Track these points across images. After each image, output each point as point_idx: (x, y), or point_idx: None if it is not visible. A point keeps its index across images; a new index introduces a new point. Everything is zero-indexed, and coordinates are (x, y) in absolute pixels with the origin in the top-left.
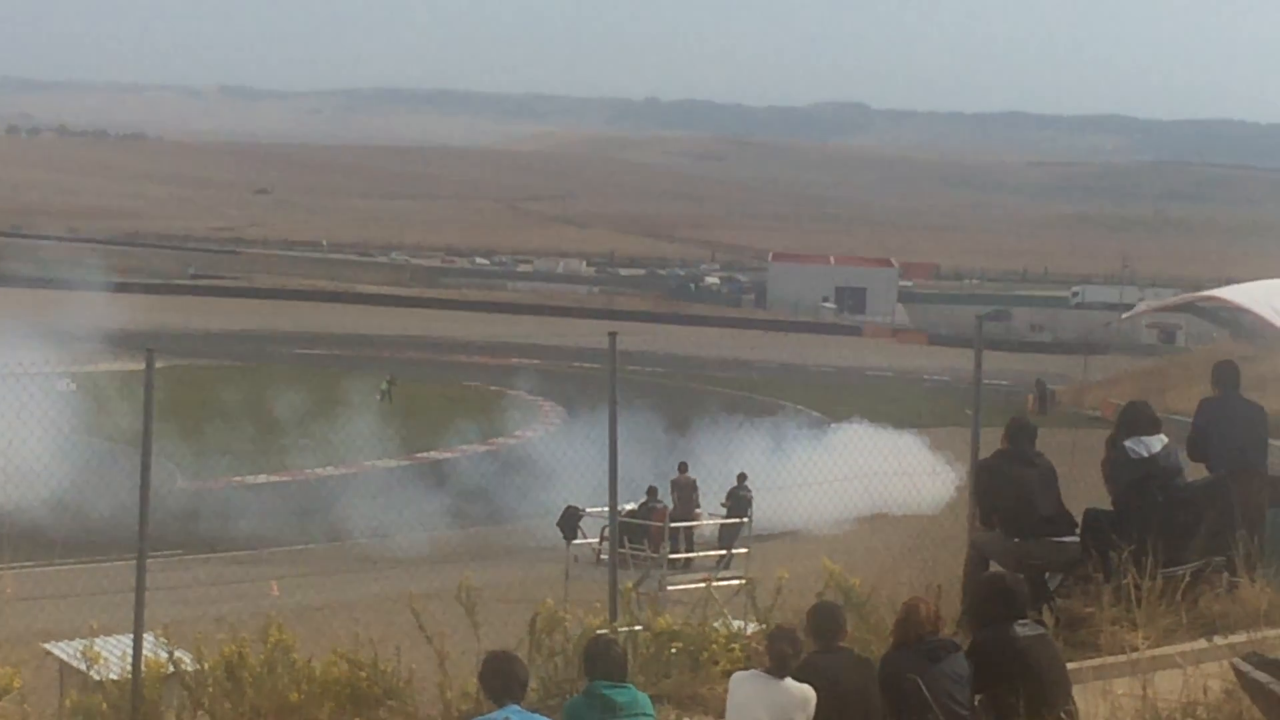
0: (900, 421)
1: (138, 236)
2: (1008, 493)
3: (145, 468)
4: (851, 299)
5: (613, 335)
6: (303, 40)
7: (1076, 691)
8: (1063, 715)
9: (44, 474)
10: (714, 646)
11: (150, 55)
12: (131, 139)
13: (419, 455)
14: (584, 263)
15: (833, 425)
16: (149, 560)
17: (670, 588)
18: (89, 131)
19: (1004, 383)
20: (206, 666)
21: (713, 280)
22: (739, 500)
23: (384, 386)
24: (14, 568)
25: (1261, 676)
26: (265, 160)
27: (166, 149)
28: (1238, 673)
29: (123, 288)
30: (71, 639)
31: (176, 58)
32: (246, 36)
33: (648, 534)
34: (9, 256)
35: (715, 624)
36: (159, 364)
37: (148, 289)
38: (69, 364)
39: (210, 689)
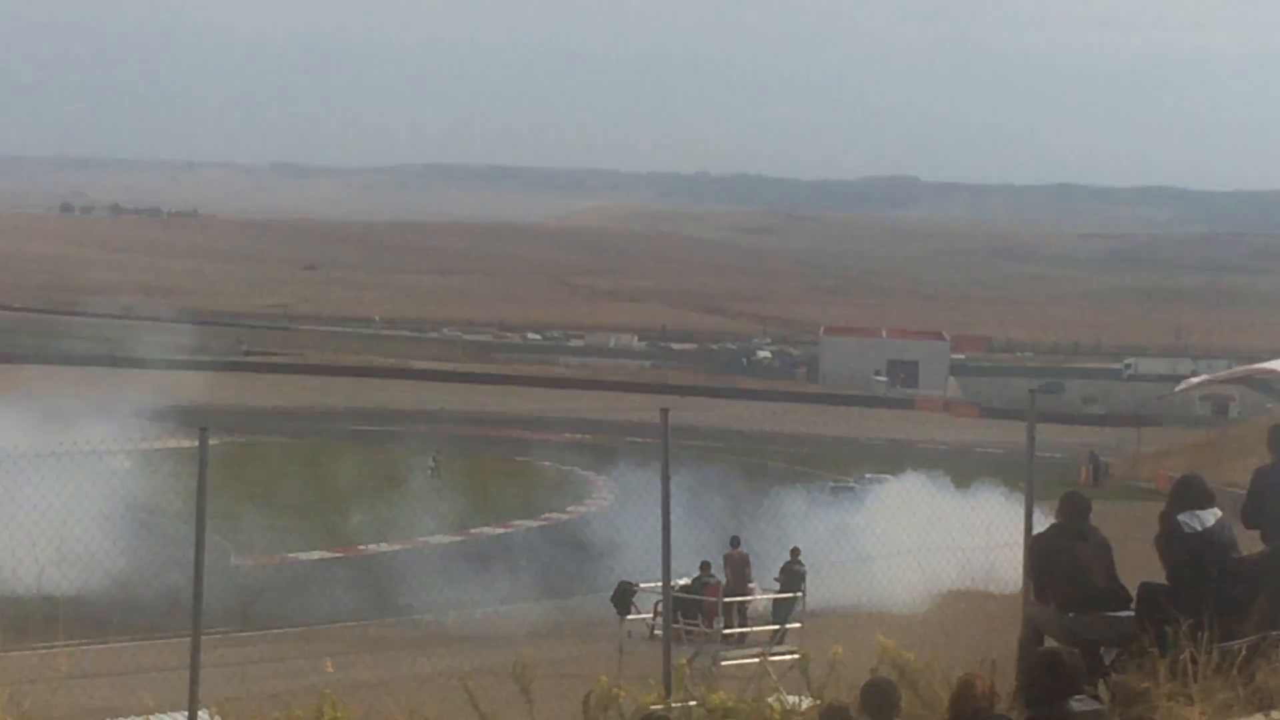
0: (958, 491)
1: (191, 314)
2: (1062, 567)
3: (199, 544)
4: (904, 372)
5: (665, 411)
6: (354, 117)
7: None
8: None
9: (98, 551)
10: None
11: (202, 133)
12: (184, 216)
13: (472, 531)
14: (635, 337)
15: (883, 494)
16: (203, 637)
17: (724, 663)
18: (142, 209)
19: (1057, 455)
20: None
21: (765, 354)
22: (792, 575)
23: (431, 462)
24: (69, 645)
25: None
26: (317, 237)
27: (219, 226)
28: None
29: (176, 365)
30: (127, 717)
31: (229, 135)
32: (298, 114)
33: (701, 609)
34: (63, 334)
35: (770, 700)
36: (212, 441)
37: (201, 366)
38: (123, 442)
39: None
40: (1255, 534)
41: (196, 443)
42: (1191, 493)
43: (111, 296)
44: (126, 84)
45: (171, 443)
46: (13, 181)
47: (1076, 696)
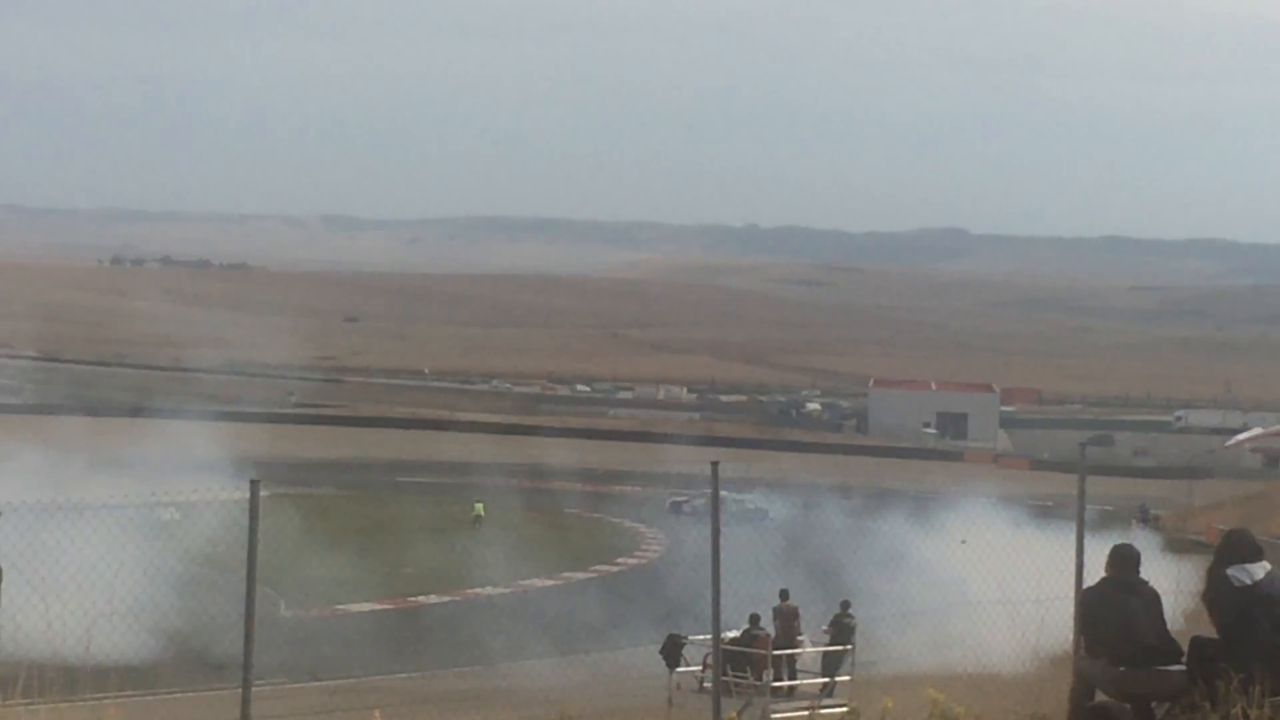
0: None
1: (241, 366)
2: (1112, 621)
3: (250, 596)
4: (953, 424)
5: (715, 464)
6: (404, 170)
7: None
8: None
9: (149, 603)
10: None
11: (252, 186)
12: (234, 269)
13: (521, 583)
14: (684, 389)
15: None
16: (254, 689)
17: (774, 716)
18: (192, 261)
19: (1107, 508)
20: None
21: (814, 406)
22: (843, 628)
23: (477, 513)
24: (119, 697)
25: None
26: (367, 289)
27: (269, 278)
28: None
29: (226, 416)
30: None
31: (279, 188)
32: (347, 167)
33: (751, 661)
34: (114, 386)
35: None
36: (263, 493)
37: (251, 418)
38: (172, 494)
39: None
40: None
41: (247, 495)
42: (1240, 546)
43: (161, 348)
44: (177, 137)
45: (222, 494)
46: (65, 233)
47: None
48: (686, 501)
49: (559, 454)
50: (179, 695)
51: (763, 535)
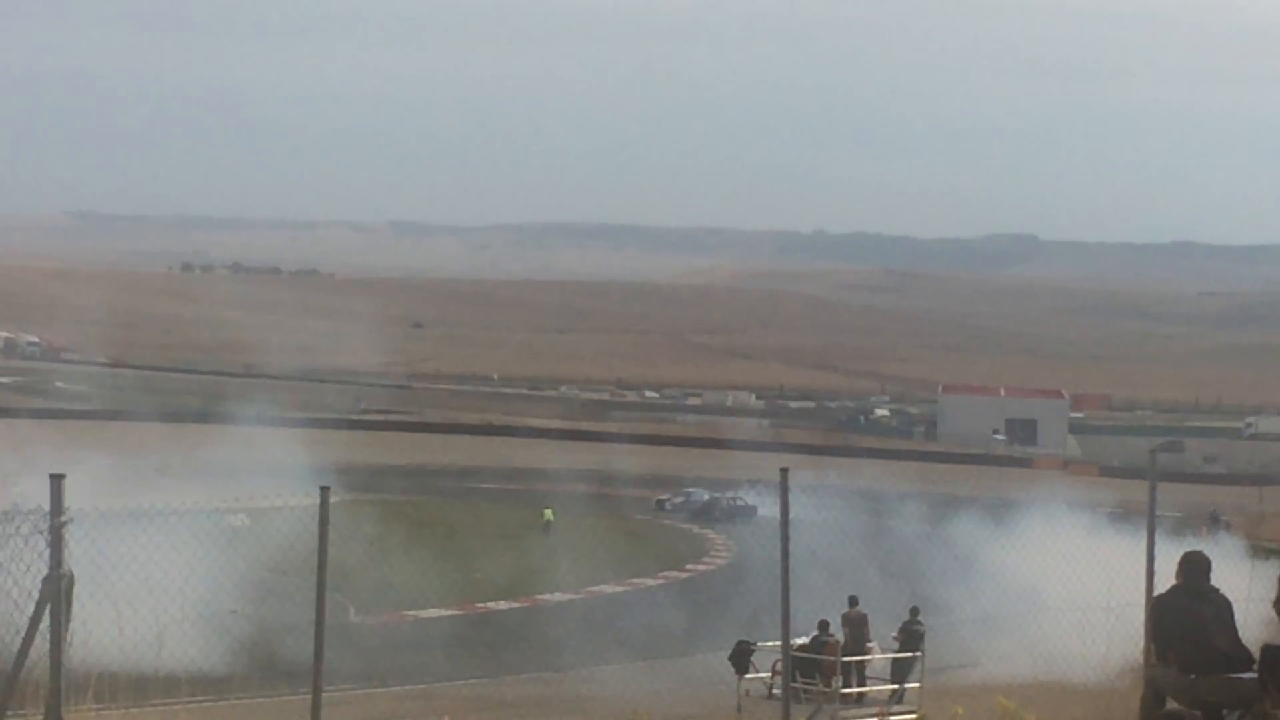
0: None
1: (310, 372)
2: (1183, 628)
3: (320, 602)
4: (1022, 431)
5: (784, 470)
6: (472, 176)
7: None
8: None
9: (219, 610)
10: None
11: (322, 192)
12: (304, 275)
13: (591, 589)
14: (753, 396)
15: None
16: (323, 695)
17: None
18: (262, 269)
19: (1177, 515)
20: None
21: (883, 413)
22: (911, 634)
23: (545, 519)
24: (190, 703)
25: None
26: (436, 295)
27: (338, 285)
28: None
29: (295, 423)
30: None
31: (347, 195)
32: (416, 173)
33: (820, 668)
34: (184, 392)
35: None
36: (332, 499)
37: (319, 424)
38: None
39: None
40: None
41: (317, 501)
42: None
43: (231, 354)
44: (248, 144)
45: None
46: (135, 240)
47: None
48: (669, 499)
49: (627, 460)
50: (249, 701)
51: (754, 531)
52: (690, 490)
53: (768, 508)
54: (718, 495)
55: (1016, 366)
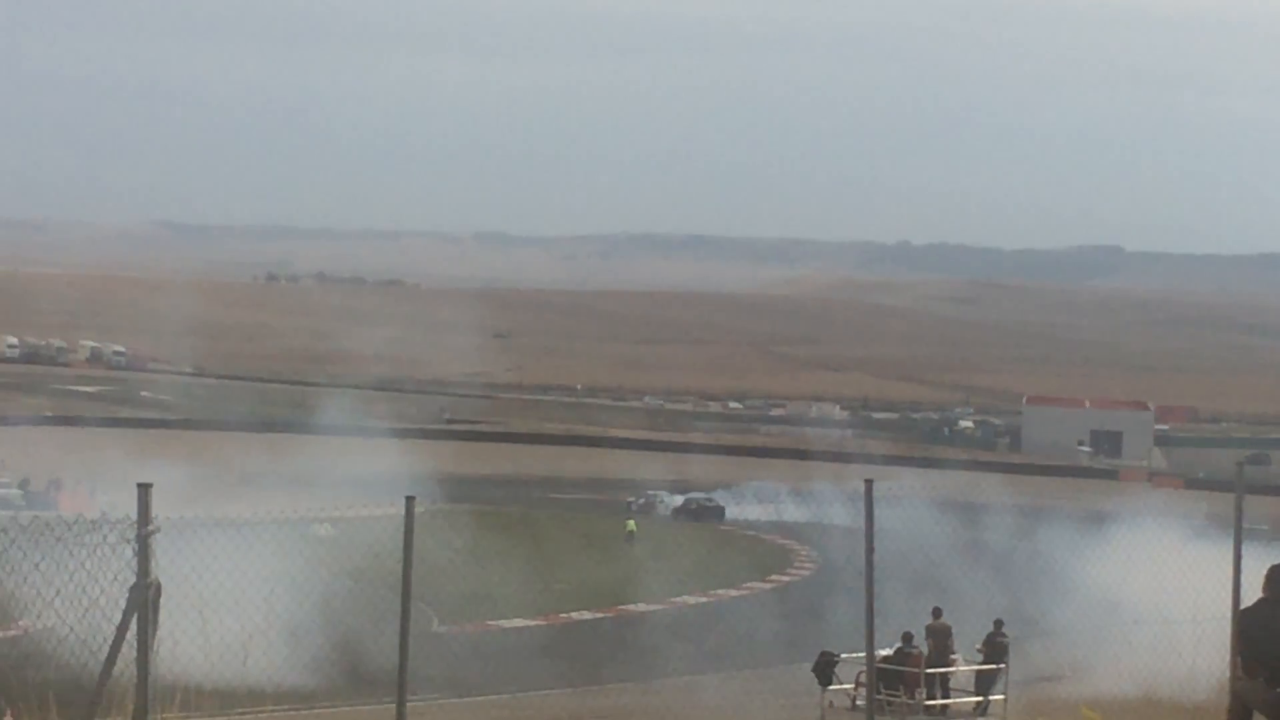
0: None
1: (394, 382)
2: (1269, 641)
3: (405, 611)
4: (1107, 442)
5: (869, 482)
6: (557, 187)
7: None
8: None
9: (304, 619)
10: None
11: (406, 202)
12: (388, 285)
13: (674, 599)
14: (837, 407)
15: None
16: (408, 704)
17: None
18: (347, 278)
19: (1264, 528)
20: None
21: (967, 424)
22: (996, 646)
23: (629, 529)
24: (274, 712)
25: None
26: (519, 305)
27: (423, 295)
28: None
29: (380, 432)
30: None
31: (432, 205)
32: (501, 183)
33: (903, 680)
34: (268, 403)
35: None
36: (417, 509)
37: (404, 434)
38: (328, 509)
39: None
40: None
41: (402, 510)
42: None
43: (316, 365)
44: (332, 154)
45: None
46: (220, 250)
47: None
48: (634, 502)
49: (711, 471)
50: (333, 710)
51: (716, 532)
52: (652, 493)
53: (735, 508)
54: (693, 495)
55: (1101, 378)
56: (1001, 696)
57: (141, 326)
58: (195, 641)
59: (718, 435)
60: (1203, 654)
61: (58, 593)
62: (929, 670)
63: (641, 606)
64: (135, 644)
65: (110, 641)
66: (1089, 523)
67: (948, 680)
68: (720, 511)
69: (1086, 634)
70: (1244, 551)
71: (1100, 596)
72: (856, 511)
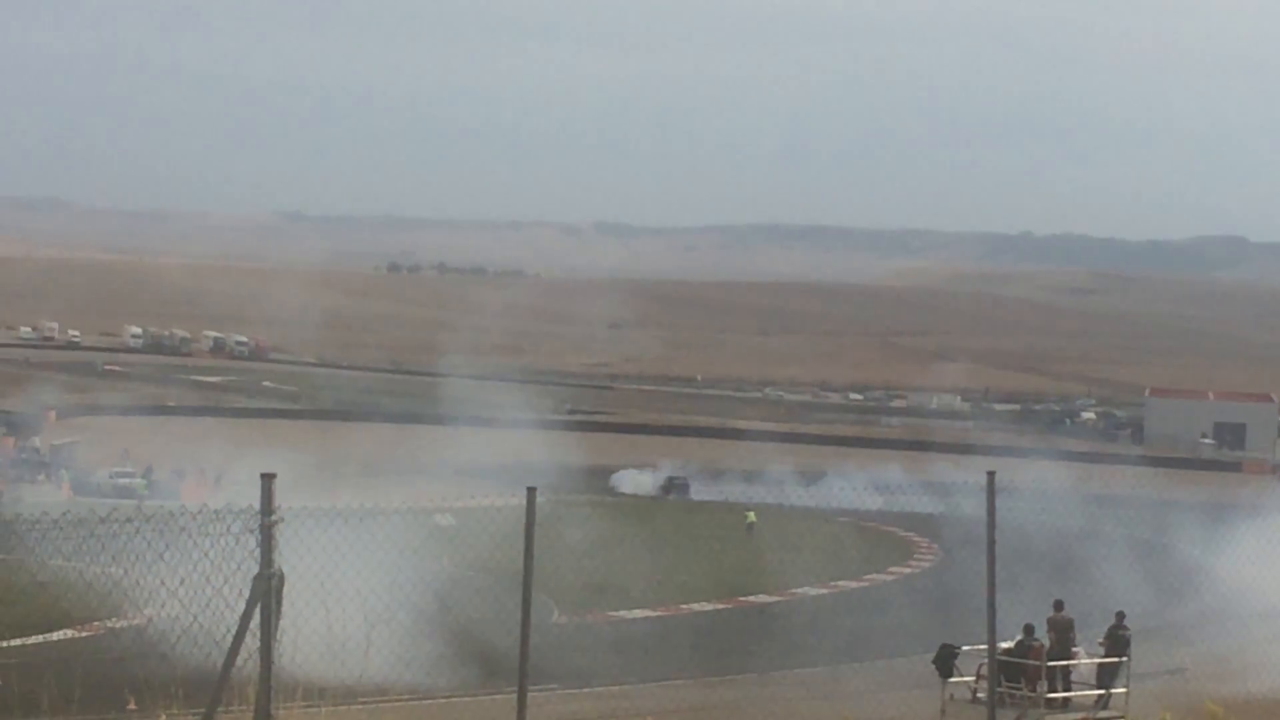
0: None
1: (516, 372)
2: None
3: (526, 602)
4: (1231, 435)
5: (991, 474)
6: (679, 177)
7: None
8: None
9: (425, 608)
10: None
11: (528, 193)
12: (509, 275)
13: (794, 590)
14: (958, 398)
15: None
16: (528, 694)
17: None
18: (467, 269)
19: None
20: None
21: (1089, 415)
22: (1118, 639)
23: (749, 520)
24: (396, 701)
25: None
26: (640, 296)
27: (544, 285)
28: None
29: (501, 423)
30: None
31: (554, 195)
32: (623, 174)
33: (1025, 672)
34: (390, 393)
35: None
36: (538, 499)
37: (526, 424)
38: (449, 499)
39: None
40: None
41: (523, 501)
42: None
43: (438, 355)
44: (454, 145)
45: (498, 501)
46: (344, 241)
47: None
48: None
49: (831, 461)
50: (455, 700)
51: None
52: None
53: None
54: (674, 476)
55: (1225, 370)
56: (1124, 690)
57: (264, 317)
58: (318, 632)
59: (837, 426)
60: None
61: (182, 582)
62: (1050, 663)
63: (761, 598)
64: (258, 634)
65: (234, 632)
66: (1212, 515)
67: (1069, 673)
68: (686, 486)
69: (1211, 627)
70: None
71: (1225, 589)
72: (979, 503)
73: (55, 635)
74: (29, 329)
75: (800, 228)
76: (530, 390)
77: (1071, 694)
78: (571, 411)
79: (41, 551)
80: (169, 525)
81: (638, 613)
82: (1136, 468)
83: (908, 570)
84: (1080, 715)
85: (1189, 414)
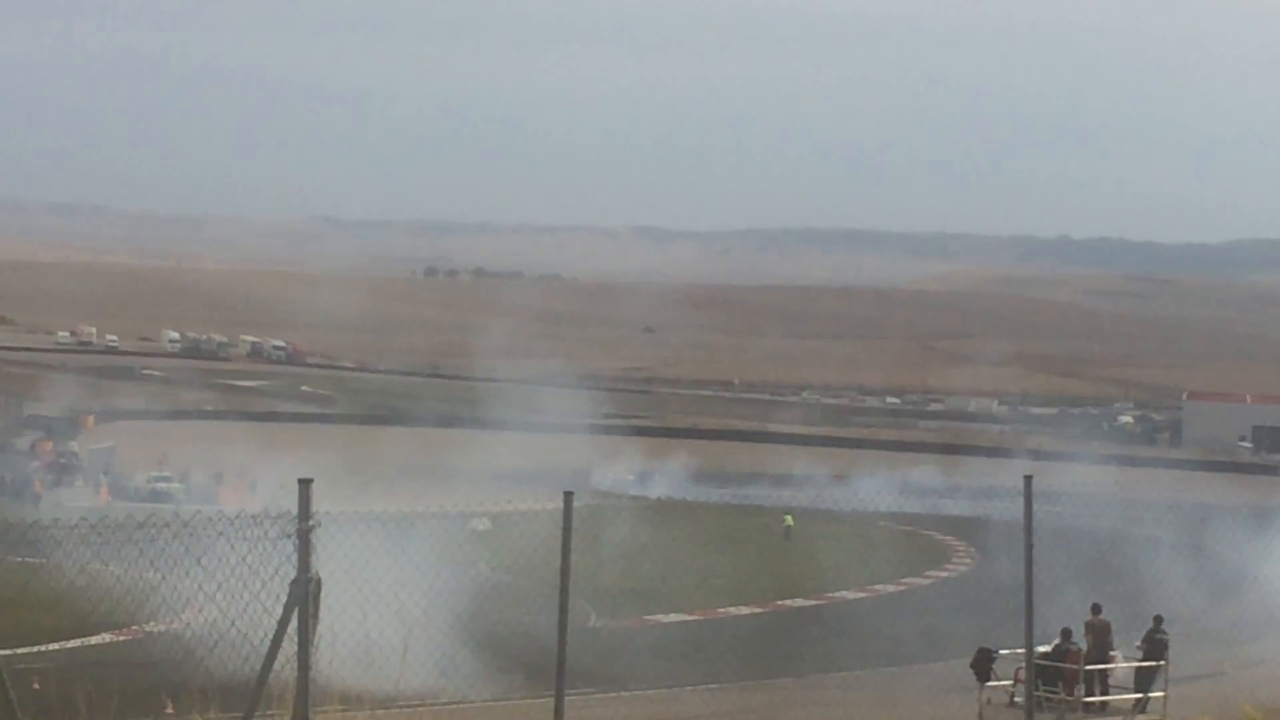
0: None
1: (553, 377)
2: None
3: (563, 606)
4: (1269, 438)
5: (1028, 478)
6: (714, 181)
7: None
8: None
9: (462, 613)
10: None
11: (565, 197)
12: (547, 279)
13: (830, 595)
14: (996, 402)
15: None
16: (566, 698)
17: None
18: (505, 273)
19: None
20: None
21: (1127, 419)
22: (1155, 643)
23: (786, 524)
24: (434, 705)
25: None
26: (676, 300)
27: (581, 289)
28: None
29: (539, 427)
30: None
31: (590, 199)
32: (659, 178)
33: (1062, 676)
34: (427, 397)
35: None
36: (575, 504)
37: (563, 429)
38: (486, 503)
39: None
40: None
41: (560, 505)
42: None
43: (475, 359)
44: (490, 150)
45: (535, 505)
46: (381, 245)
47: None
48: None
49: (867, 465)
50: (492, 705)
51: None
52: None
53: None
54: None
55: (1263, 373)
56: (1161, 694)
57: (301, 321)
58: (355, 636)
59: (874, 430)
60: None
61: (219, 587)
62: (1088, 667)
63: (799, 602)
64: (296, 639)
65: (271, 637)
66: (1251, 519)
67: (1107, 677)
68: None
69: (1250, 631)
70: None
71: (1264, 593)
72: (1016, 507)
73: (93, 640)
74: (67, 334)
75: (836, 231)
76: (567, 395)
77: (1109, 698)
78: (609, 415)
79: (79, 556)
80: (206, 530)
81: (675, 617)
82: (1174, 471)
83: (945, 574)
84: (1118, 719)
85: (1227, 417)
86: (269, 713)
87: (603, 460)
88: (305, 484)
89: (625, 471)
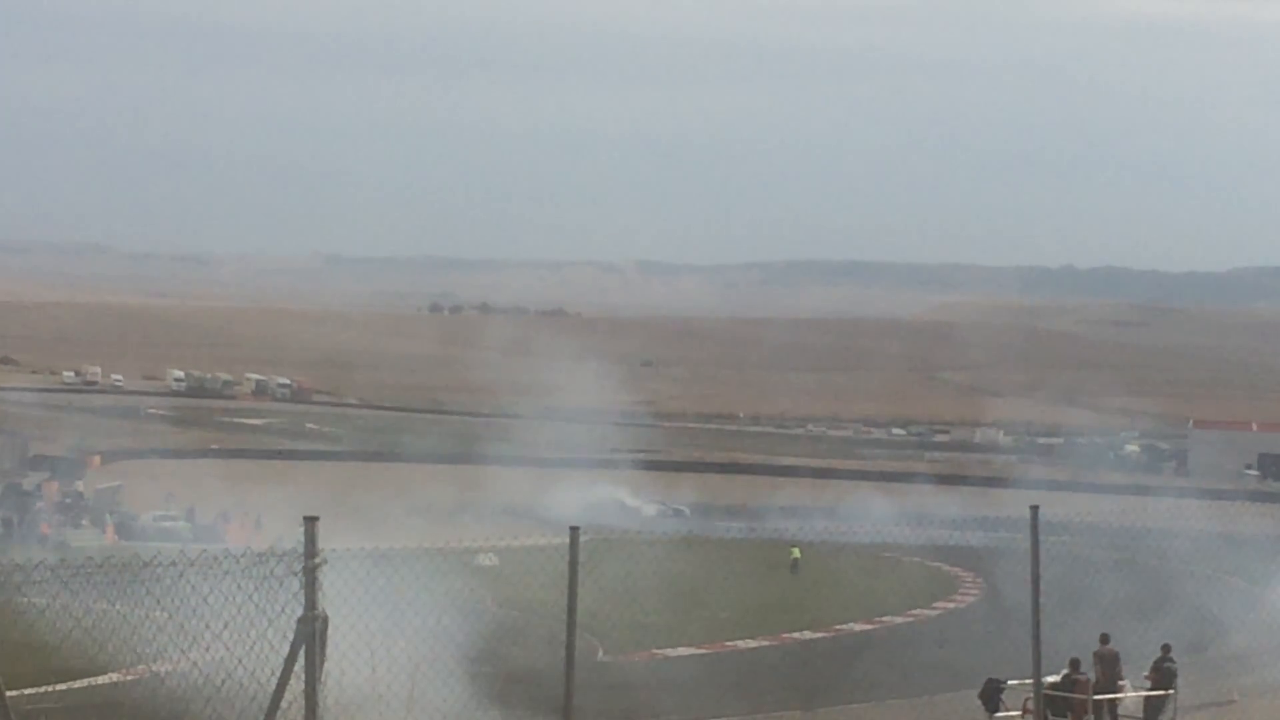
0: None
1: (558, 412)
2: None
3: (570, 642)
4: (1275, 466)
5: (1035, 508)
6: (719, 215)
7: None
8: None
9: (468, 648)
10: None
11: (569, 232)
12: (550, 315)
13: (838, 627)
14: (1001, 432)
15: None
16: None
17: None
18: (509, 308)
19: None
20: None
21: (1132, 448)
22: (1164, 672)
23: (793, 556)
24: None
25: None
26: (681, 334)
27: (585, 325)
28: None
29: (545, 463)
30: None
31: (595, 234)
32: (662, 212)
33: (1071, 706)
34: (433, 433)
35: None
36: (581, 539)
37: (568, 464)
38: (492, 539)
39: None
40: None
41: (566, 540)
42: None
43: (480, 395)
44: (494, 186)
45: (541, 540)
46: (384, 281)
47: None
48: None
49: (874, 497)
50: None
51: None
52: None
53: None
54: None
55: (1268, 401)
56: None
57: (306, 359)
58: (362, 673)
59: (880, 462)
60: None
61: (226, 626)
62: (1097, 696)
63: (806, 634)
64: (303, 677)
65: (278, 675)
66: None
67: (1116, 706)
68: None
69: (1257, 659)
70: None
71: (1270, 621)
72: (1023, 537)
73: (100, 679)
74: (72, 373)
75: (839, 263)
76: (572, 430)
77: None
78: (614, 450)
79: (86, 596)
80: (213, 568)
81: (683, 650)
82: (1181, 500)
83: (952, 605)
84: None
85: (1233, 445)
86: None
87: (605, 488)
88: (311, 521)
89: (631, 500)
